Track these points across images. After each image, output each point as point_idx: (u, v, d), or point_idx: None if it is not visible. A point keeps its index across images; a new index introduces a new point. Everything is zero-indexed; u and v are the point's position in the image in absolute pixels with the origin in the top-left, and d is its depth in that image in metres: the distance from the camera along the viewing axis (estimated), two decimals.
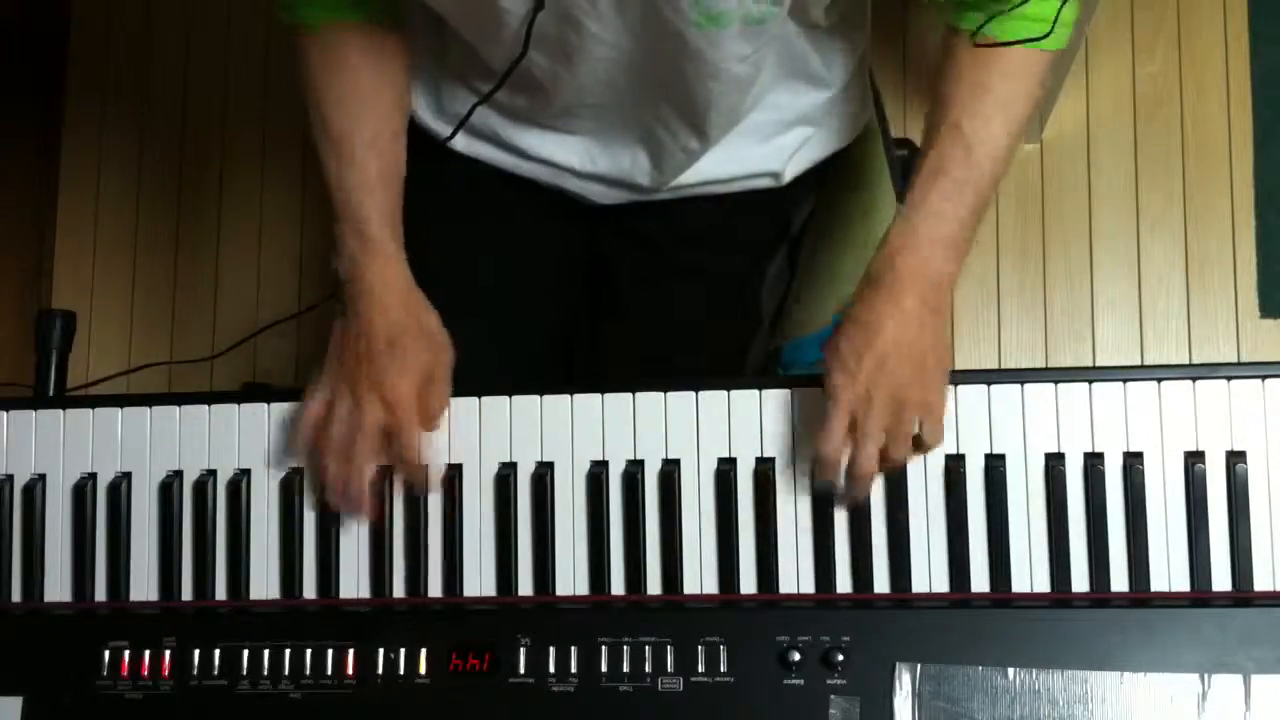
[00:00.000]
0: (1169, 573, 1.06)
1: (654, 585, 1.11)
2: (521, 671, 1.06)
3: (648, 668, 1.05)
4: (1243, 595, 1.05)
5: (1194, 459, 1.07)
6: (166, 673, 1.10)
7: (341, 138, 1.20)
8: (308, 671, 1.08)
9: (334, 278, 1.20)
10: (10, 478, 1.18)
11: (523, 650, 1.06)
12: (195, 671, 1.09)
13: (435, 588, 1.13)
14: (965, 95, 1.13)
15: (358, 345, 1.16)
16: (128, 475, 1.17)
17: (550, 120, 1.31)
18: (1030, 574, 1.08)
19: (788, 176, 1.35)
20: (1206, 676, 1.00)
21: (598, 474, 1.12)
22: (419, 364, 1.15)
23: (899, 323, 1.08)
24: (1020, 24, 1.12)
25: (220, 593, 1.15)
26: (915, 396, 1.07)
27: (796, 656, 1.03)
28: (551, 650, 1.06)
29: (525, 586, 1.12)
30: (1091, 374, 1.10)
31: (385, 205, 1.21)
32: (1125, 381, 1.09)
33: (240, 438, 1.17)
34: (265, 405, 1.17)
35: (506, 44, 1.16)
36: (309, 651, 1.09)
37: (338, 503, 1.14)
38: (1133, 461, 1.07)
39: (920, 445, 1.08)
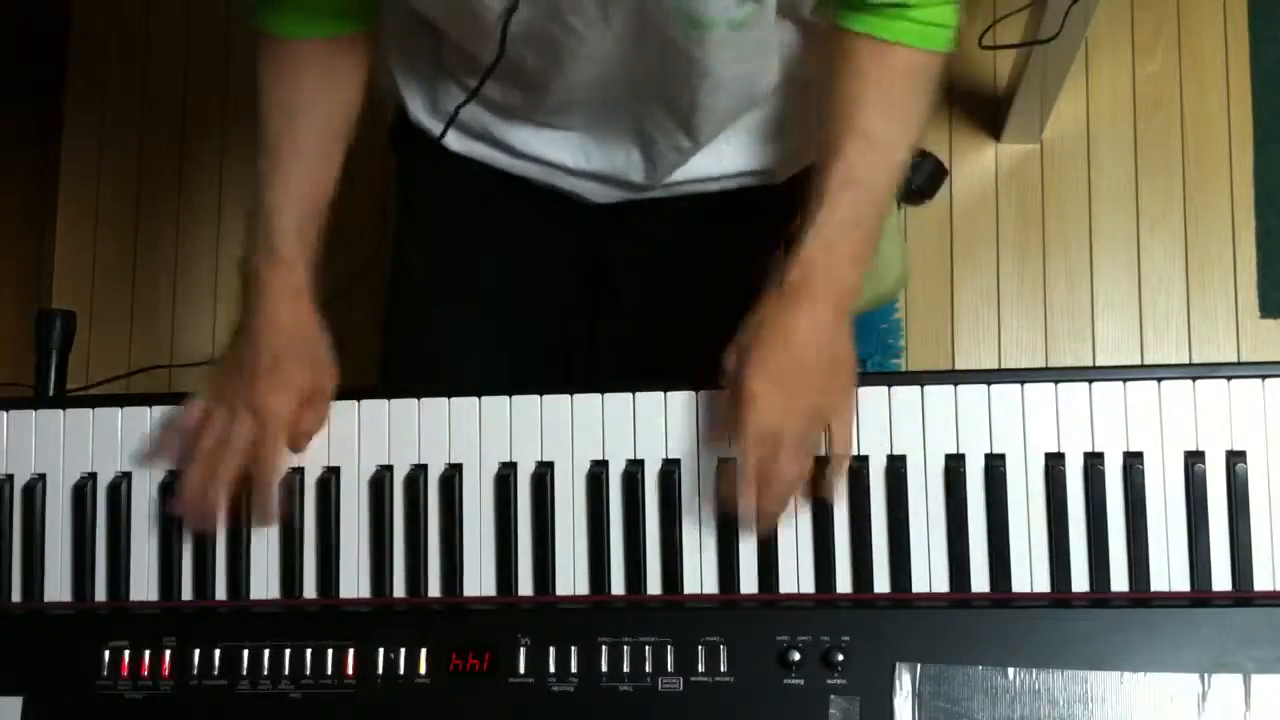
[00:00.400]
0: (1169, 573, 1.06)
1: (654, 585, 1.11)
2: (521, 671, 1.06)
3: (648, 668, 1.05)
4: (1243, 595, 1.05)
5: (1194, 459, 1.07)
6: (166, 673, 1.10)
7: (274, 145, 1.20)
8: (308, 671, 1.08)
9: (240, 278, 1.20)
10: (10, 478, 1.18)
11: (523, 650, 1.06)
12: (195, 671, 1.09)
13: (435, 588, 1.13)
14: (870, 101, 1.13)
15: (242, 359, 1.16)
16: (128, 475, 1.17)
17: (544, 117, 1.31)
18: (1030, 574, 1.08)
19: (783, 175, 1.35)
20: (1206, 676, 1.00)
21: (598, 474, 1.12)
22: (298, 385, 1.15)
23: (815, 330, 1.09)
24: (915, 28, 1.12)
25: (220, 593, 1.15)
26: (829, 402, 1.08)
27: (796, 656, 1.03)
28: (551, 650, 1.06)
29: (525, 586, 1.12)
30: (1091, 374, 1.10)
31: (300, 221, 1.20)
32: (1125, 381, 1.09)
33: None
34: None
35: (491, 43, 1.16)
36: (309, 651, 1.09)
37: (185, 509, 1.14)
38: (1133, 461, 1.07)
39: (831, 455, 1.08)
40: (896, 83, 1.13)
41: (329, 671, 1.08)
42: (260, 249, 1.19)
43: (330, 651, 1.08)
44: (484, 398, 1.15)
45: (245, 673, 1.09)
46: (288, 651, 1.09)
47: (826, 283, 1.10)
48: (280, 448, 1.14)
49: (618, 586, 1.11)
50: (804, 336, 1.09)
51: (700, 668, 1.05)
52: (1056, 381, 1.09)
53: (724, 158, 1.33)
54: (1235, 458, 1.06)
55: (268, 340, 1.16)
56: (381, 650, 1.08)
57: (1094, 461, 1.08)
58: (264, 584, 1.15)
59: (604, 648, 1.06)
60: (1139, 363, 2.10)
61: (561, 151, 1.33)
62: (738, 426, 1.07)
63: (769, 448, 1.06)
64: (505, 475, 1.13)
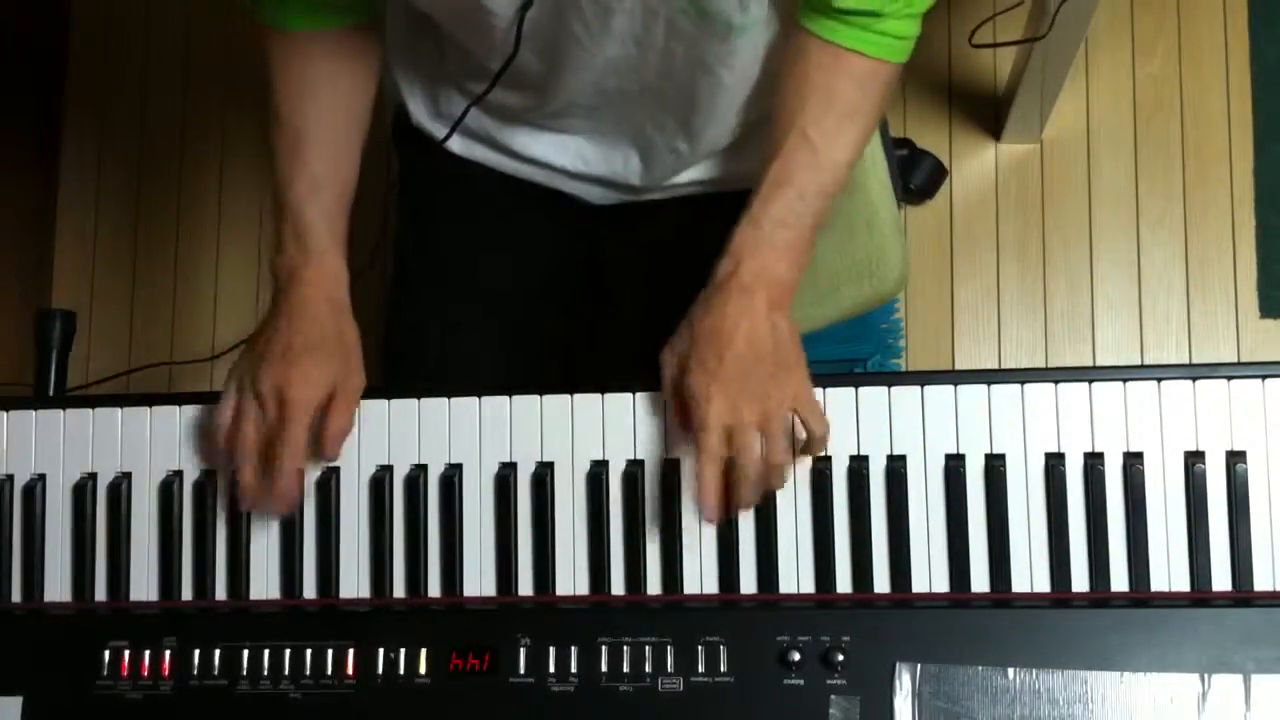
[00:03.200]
0: (1169, 573, 1.06)
1: (654, 585, 1.11)
2: (521, 671, 1.06)
3: (648, 668, 1.05)
4: (1243, 595, 1.05)
5: (1194, 459, 1.07)
6: (166, 673, 1.10)
7: (297, 138, 1.19)
8: (308, 671, 1.08)
9: (272, 274, 1.19)
10: (10, 478, 1.18)
11: (523, 650, 1.06)
12: (195, 671, 1.09)
13: (435, 588, 1.13)
14: (814, 103, 1.12)
15: (274, 347, 1.15)
16: (128, 475, 1.17)
17: (543, 120, 1.31)
18: (1030, 574, 1.08)
19: None
20: (1206, 676, 1.00)
21: (598, 474, 1.12)
22: (327, 376, 1.14)
23: (751, 324, 1.09)
24: (874, 38, 1.12)
25: (220, 593, 1.15)
26: (781, 392, 1.08)
27: (796, 656, 1.03)
28: (551, 650, 1.06)
29: (525, 586, 1.12)
30: (1091, 374, 1.10)
31: (330, 211, 1.19)
32: (1125, 381, 1.09)
33: None
34: None
35: (497, 44, 1.16)
36: (309, 651, 1.09)
37: (253, 503, 1.13)
38: (1133, 461, 1.07)
39: (812, 441, 1.08)
40: (846, 89, 1.13)
41: (329, 671, 1.08)
42: (293, 241, 1.18)
43: (330, 651, 1.08)
44: (484, 398, 1.15)
45: (245, 673, 1.09)
46: (288, 651, 1.09)
47: (755, 275, 1.10)
48: (302, 436, 1.13)
49: (618, 586, 1.11)
50: (738, 329, 1.09)
51: (700, 668, 1.05)
52: (1056, 381, 1.09)
53: (722, 162, 1.33)
54: (1235, 458, 1.06)
55: (304, 330, 1.15)
56: (381, 650, 1.08)
57: (1094, 461, 1.08)
58: (264, 584, 1.15)
59: (604, 648, 1.06)
60: (1139, 363, 2.10)
61: (561, 155, 1.34)
62: (693, 432, 1.07)
63: (729, 445, 1.06)
64: (505, 475, 1.13)
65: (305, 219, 1.18)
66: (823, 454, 1.10)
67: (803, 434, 1.09)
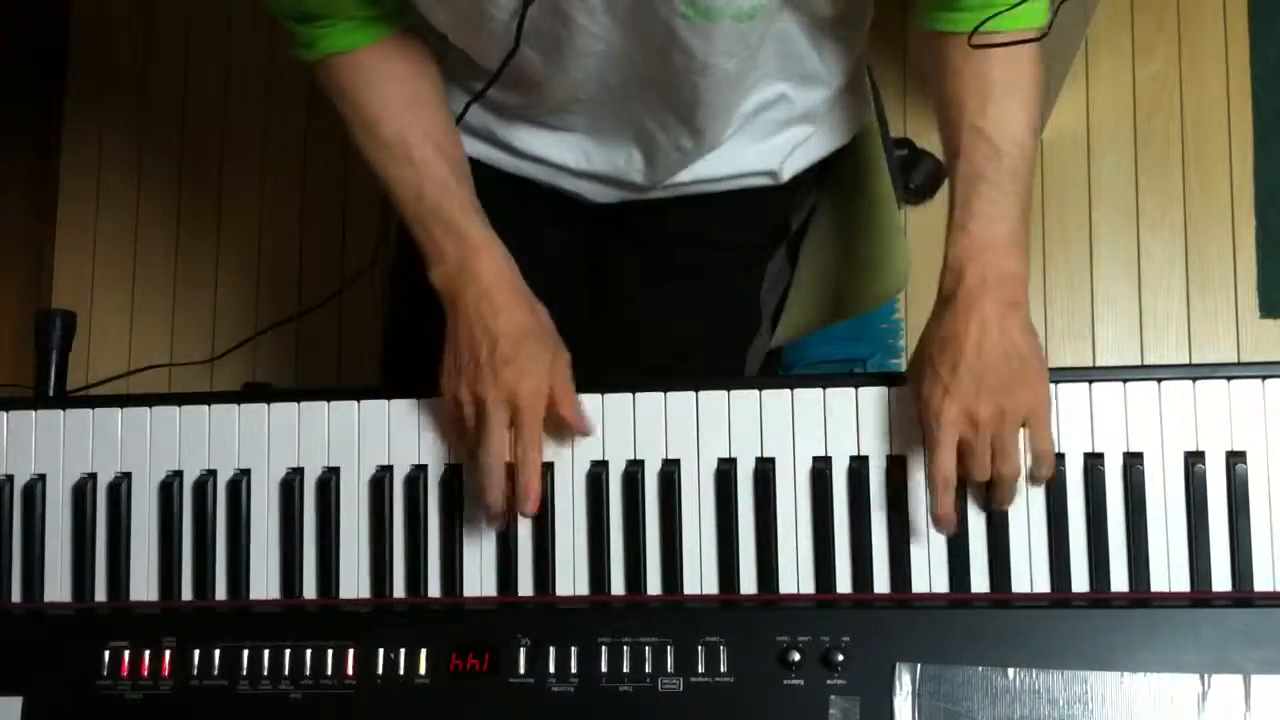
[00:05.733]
0: (1169, 573, 1.06)
1: (654, 585, 1.11)
2: (521, 671, 1.06)
3: (648, 668, 1.05)
4: (1243, 595, 1.05)
5: (1194, 459, 1.07)
6: (166, 673, 1.10)
7: (400, 142, 1.18)
8: (308, 671, 1.08)
9: (439, 289, 1.17)
10: (10, 478, 1.19)
11: (523, 650, 1.06)
12: (195, 671, 1.09)
13: (435, 588, 1.13)
14: (970, 95, 1.12)
15: (477, 351, 1.13)
16: (128, 475, 1.17)
17: (544, 117, 1.31)
18: (1030, 574, 1.08)
19: (785, 175, 1.35)
20: (1206, 676, 1.00)
21: (598, 474, 1.12)
22: (543, 364, 1.13)
23: (981, 331, 1.08)
24: (1005, 18, 1.11)
25: (220, 593, 1.15)
26: (1017, 401, 1.07)
27: (796, 656, 1.03)
28: (551, 650, 1.06)
29: (525, 586, 1.12)
30: (1091, 374, 1.10)
31: (467, 199, 1.19)
32: (1125, 381, 1.09)
33: (240, 438, 1.17)
34: (265, 405, 1.17)
35: (496, 41, 1.16)
36: (309, 651, 1.09)
37: (505, 521, 1.13)
38: (1133, 461, 1.07)
39: (1038, 462, 1.07)
40: (994, 70, 1.12)
41: (329, 671, 1.08)
42: (449, 241, 1.16)
43: (330, 651, 1.08)
44: None
45: (245, 673, 1.09)
46: (288, 651, 1.09)
47: (981, 281, 1.09)
48: (540, 430, 1.12)
49: (618, 586, 1.11)
50: (971, 341, 1.07)
51: (700, 668, 1.05)
52: (1056, 382, 1.09)
53: (725, 159, 1.33)
54: (1235, 458, 1.06)
55: (501, 325, 1.14)
56: (381, 650, 1.08)
57: (1094, 461, 1.08)
58: (264, 584, 1.15)
59: (604, 648, 1.06)
60: (1139, 363, 2.10)
61: (562, 152, 1.33)
62: (926, 445, 1.07)
63: (962, 456, 1.06)
64: None
65: (452, 215, 1.17)
66: (823, 454, 1.10)
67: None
